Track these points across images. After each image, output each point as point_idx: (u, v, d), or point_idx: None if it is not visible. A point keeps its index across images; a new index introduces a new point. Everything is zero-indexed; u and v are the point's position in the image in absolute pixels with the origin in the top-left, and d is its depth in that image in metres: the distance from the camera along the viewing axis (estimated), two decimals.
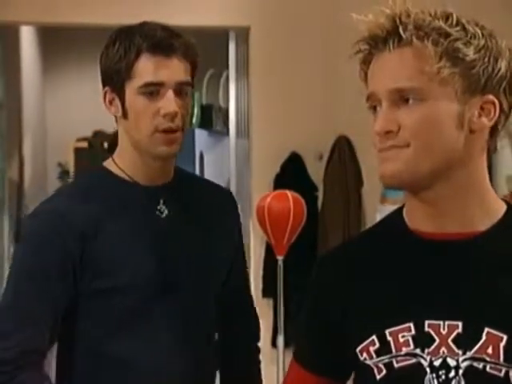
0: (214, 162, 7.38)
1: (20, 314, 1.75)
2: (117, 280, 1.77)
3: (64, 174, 9.69)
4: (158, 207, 1.85)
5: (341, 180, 5.33)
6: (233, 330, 2.09)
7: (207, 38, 7.03)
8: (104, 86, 1.82)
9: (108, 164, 1.88)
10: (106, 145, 9.82)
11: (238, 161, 5.81)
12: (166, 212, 1.85)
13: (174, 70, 1.76)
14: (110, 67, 1.77)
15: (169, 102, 1.74)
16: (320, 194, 5.36)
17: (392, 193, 5.12)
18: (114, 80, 1.78)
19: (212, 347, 1.96)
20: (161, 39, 1.75)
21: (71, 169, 9.59)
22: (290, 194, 4.25)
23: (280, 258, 4.36)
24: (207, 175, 7.81)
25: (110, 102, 1.82)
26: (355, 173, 5.35)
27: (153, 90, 1.74)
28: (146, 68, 1.74)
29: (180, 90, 1.77)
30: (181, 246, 1.85)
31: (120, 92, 1.78)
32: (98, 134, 8.81)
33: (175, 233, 1.86)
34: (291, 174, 5.29)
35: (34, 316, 1.75)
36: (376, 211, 5.21)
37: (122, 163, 1.85)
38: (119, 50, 1.75)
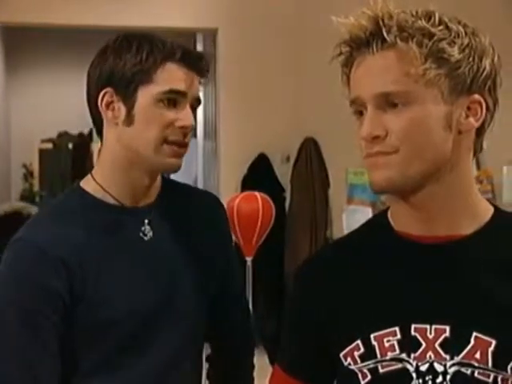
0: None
1: None
2: (103, 314, 1.64)
3: (28, 174, 9.62)
4: (143, 228, 1.73)
5: (308, 181, 5.33)
6: (226, 343, 1.99)
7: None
8: (104, 86, 1.67)
9: (86, 183, 1.74)
10: (70, 146, 9.83)
11: (206, 162, 5.80)
12: (151, 234, 1.74)
13: (196, 85, 1.70)
14: (123, 69, 1.64)
15: (188, 114, 1.67)
16: (287, 195, 5.36)
17: (358, 193, 5.14)
18: (125, 83, 1.65)
19: (196, 373, 1.86)
20: (195, 53, 1.70)
21: (36, 170, 9.52)
22: (258, 195, 4.25)
23: (249, 258, 4.35)
24: (174, 176, 7.77)
25: (107, 105, 1.67)
26: (322, 174, 5.36)
27: (173, 98, 1.65)
28: (175, 75, 1.65)
29: (195, 106, 1.71)
30: (166, 268, 1.74)
31: (130, 96, 1.65)
32: (63, 135, 8.75)
33: (160, 256, 1.74)
34: (259, 175, 5.29)
35: None
36: (342, 211, 5.23)
37: (104, 180, 1.71)
38: (139, 53, 1.64)
